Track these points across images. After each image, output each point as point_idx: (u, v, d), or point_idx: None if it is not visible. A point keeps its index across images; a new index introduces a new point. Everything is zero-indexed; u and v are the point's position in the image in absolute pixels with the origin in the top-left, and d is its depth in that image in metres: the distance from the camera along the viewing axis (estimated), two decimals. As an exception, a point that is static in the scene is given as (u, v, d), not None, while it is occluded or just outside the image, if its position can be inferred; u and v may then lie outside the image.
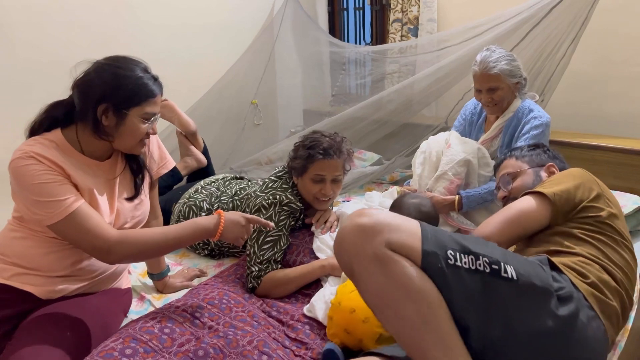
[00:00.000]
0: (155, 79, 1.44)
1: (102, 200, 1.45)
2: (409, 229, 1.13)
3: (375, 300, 1.13)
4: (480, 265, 1.11)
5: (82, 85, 1.37)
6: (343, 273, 1.72)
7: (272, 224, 1.56)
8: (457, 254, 1.11)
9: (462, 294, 1.09)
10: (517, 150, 1.77)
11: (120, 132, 1.40)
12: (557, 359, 1.13)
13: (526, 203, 1.41)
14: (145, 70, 1.42)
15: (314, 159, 1.82)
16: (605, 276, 1.28)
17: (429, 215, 1.89)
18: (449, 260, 1.10)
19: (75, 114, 1.39)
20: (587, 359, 1.16)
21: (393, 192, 2.26)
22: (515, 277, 1.12)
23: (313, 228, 1.95)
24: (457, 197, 2.06)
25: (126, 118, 1.38)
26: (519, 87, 2.14)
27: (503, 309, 1.11)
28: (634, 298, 1.59)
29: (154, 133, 1.49)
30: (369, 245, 1.09)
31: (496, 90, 2.10)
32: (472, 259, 1.12)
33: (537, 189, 1.43)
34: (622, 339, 1.54)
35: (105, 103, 1.35)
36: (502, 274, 1.11)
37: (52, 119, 1.41)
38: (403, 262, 1.08)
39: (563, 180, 1.43)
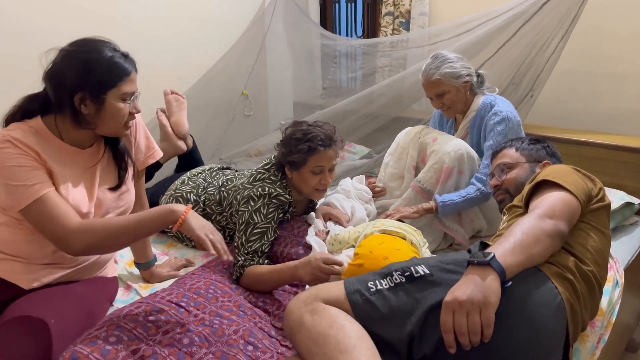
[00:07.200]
0: (126, 56, 1.38)
1: (80, 189, 1.42)
2: (335, 285, 1.30)
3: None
4: (396, 279, 1.24)
5: (53, 76, 1.32)
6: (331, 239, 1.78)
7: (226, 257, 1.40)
8: (377, 281, 1.25)
9: (395, 310, 1.19)
10: (519, 141, 1.78)
11: (102, 118, 1.36)
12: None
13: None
14: (114, 49, 1.37)
15: (316, 151, 1.80)
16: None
17: None
18: (371, 289, 1.23)
19: (51, 106, 1.35)
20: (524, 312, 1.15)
21: (362, 178, 2.32)
22: (427, 272, 1.22)
23: (309, 219, 1.96)
24: (433, 204, 2.02)
25: (105, 102, 1.34)
26: (469, 85, 2.14)
27: (434, 302, 1.16)
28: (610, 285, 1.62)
29: (138, 111, 1.44)
30: (304, 305, 1.25)
31: (444, 94, 2.11)
32: (388, 278, 1.25)
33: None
34: (606, 333, 1.56)
35: (80, 92, 1.31)
36: (415, 275, 1.23)
37: (26, 112, 1.37)
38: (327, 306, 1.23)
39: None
